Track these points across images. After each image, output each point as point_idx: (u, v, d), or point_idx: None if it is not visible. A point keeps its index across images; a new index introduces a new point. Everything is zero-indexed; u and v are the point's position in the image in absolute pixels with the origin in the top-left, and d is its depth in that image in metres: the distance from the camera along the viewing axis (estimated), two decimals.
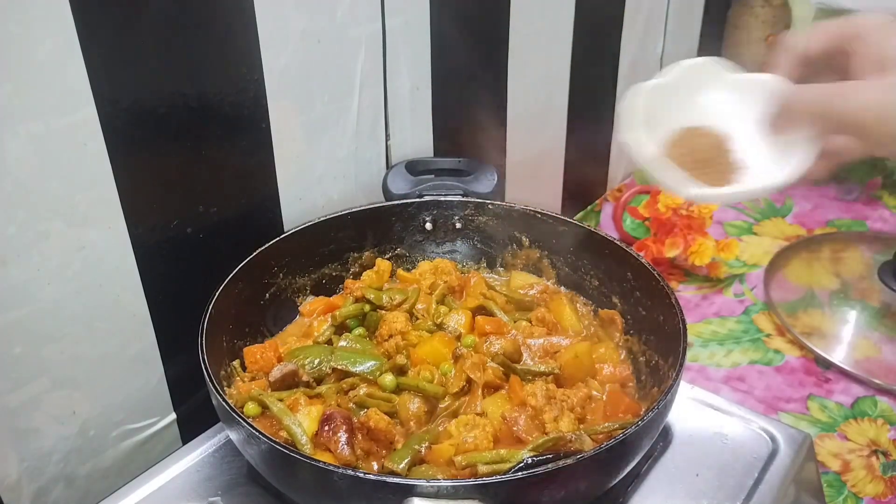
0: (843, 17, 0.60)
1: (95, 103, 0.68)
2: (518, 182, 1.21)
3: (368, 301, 0.86)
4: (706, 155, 0.66)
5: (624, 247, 0.86)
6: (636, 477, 0.75)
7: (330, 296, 0.92)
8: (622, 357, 0.83)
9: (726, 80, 0.65)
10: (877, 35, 0.56)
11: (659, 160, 0.65)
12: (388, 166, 1.02)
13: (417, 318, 0.85)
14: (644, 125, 0.65)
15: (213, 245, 0.84)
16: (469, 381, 0.75)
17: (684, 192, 0.65)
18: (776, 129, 0.61)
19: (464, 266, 0.98)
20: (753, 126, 0.63)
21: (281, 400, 0.73)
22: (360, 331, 0.83)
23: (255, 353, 0.80)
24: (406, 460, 0.67)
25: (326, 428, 0.69)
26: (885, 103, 0.54)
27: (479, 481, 0.59)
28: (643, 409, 0.75)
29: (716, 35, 1.67)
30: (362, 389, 0.74)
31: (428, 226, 0.97)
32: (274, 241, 0.86)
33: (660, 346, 0.79)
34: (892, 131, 0.54)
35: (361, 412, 0.72)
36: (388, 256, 0.96)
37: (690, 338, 1.09)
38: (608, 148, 1.49)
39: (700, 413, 0.83)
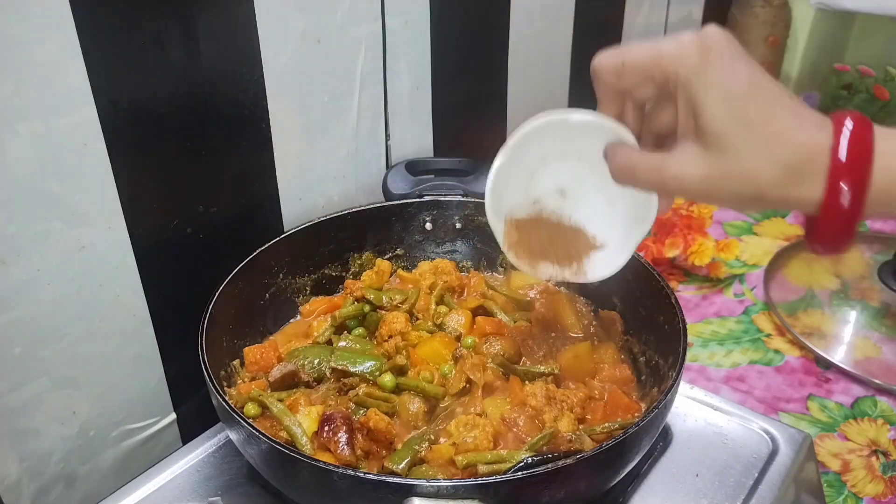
0: (652, 44, 0.53)
1: (95, 103, 0.68)
2: None
3: (368, 301, 0.86)
4: (555, 242, 0.68)
5: None
6: (636, 477, 0.75)
7: (330, 296, 0.92)
8: (622, 357, 0.83)
9: (568, 130, 0.61)
10: (686, 77, 0.52)
11: (514, 248, 0.68)
12: (388, 166, 1.02)
13: (417, 319, 0.85)
14: (497, 209, 0.66)
15: (213, 245, 0.84)
16: (469, 381, 0.75)
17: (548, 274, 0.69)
18: (618, 183, 0.59)
19: (463, 266, 0.98)
20: (596, 178, 0.62)
21: (281, 400, 0.73)
22: (359, 331, 0.83)
23: (255, 353, 0.80)
24: (406, 460, 0.67)
25: (326, 428, 0.69)
26: (706, 186, 0.53)
27: (479, 481, 0.59)
28: (643, 409, 0.75)
29: None
30: (362, 389, 0.74)
31: (428, 226, 0.97)
32: (274, 241, 0.86)
33: (660, 346, 0.79)
34: (723, 202, 0.54)
35: (361, 412, 0.72)
36: (387, 256, 0.96)
37: (690, 338, 1.09)
38: None
39: (700, 413, 0.83)
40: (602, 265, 0.69)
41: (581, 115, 0.60)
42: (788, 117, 0.51)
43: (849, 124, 0.50)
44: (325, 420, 0.70)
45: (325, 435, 0.69)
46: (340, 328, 0.85)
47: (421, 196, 0.95)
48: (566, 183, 0.66)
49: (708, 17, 1.63)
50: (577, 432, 0.71)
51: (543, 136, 0.62)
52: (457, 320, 0.84)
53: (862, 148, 0.49)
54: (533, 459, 0.63)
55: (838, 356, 1.08)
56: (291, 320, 0.90)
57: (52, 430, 0.76)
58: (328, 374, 0.77)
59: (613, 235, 0.68)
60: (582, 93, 1.30)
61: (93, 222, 0.72)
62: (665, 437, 0.79)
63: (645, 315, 0.83)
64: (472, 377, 0.75)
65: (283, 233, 0.88)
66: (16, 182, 0.65)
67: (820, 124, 0.51)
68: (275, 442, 0.61)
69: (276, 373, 0.76)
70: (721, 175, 0.52)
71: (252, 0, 0.77)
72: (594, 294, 0.91)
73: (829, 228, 0.51)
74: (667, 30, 1.51)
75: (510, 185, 0.65)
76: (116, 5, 0.67)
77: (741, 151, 0.51)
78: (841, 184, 0.49)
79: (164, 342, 0.83)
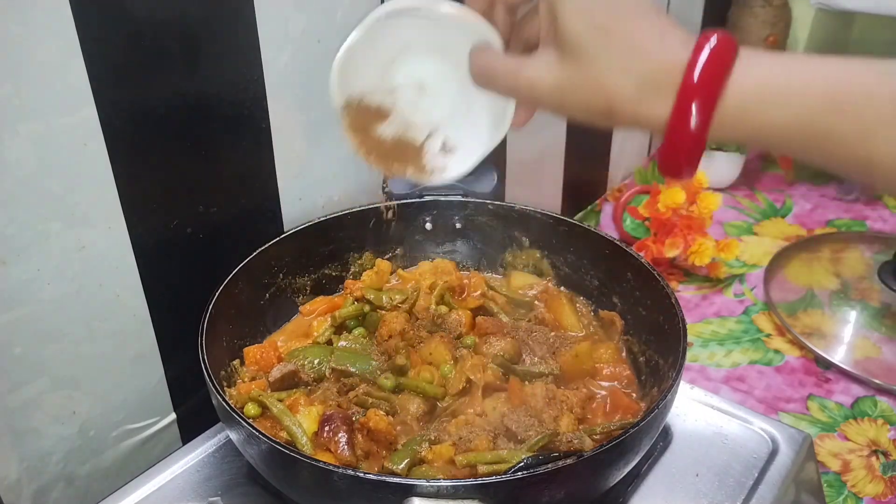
0: None
1: (95, 103, 0.68)
2: (518, 182, 1.21)
3: (368, 301, 0.86)
4: (401, 138, 0.64)
5: (624, 247, 0.86)
6: (636, 477, 0.75)
7: (330, 296, 0.92)
8: (622, 357, 0.83)
9: (437, 22, 0.59)
10: None
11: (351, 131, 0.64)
12: None
13: (417, 318, 0.85)
14: (345, 87, 0.62)
15: (213, 245, 0.84)
16: (469, 381, 0.75)
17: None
18: (476, 85, 0.57)
19: (463, 266, 0.98)
20: (458, 79, 0.59)
21: (281, 400, 0.73)
22: (359, 331, 0.83)
23: (255, 353, 0.80)
24: (406, 461, 0.67)
25: (326, 428, 0.69)
26: (558, 95, 0.51)
27: (479, 481, 0.59)
28: (643, 409, 0.75)
29: None
30: (362, 389, 0.74)
31: (428, 226, 0.97)
32: (274, 241, 0.86)
33: (660, 346, 0.79)
34: (574, 113, 0.52)
35: (361, 412, 0.72)
36: (387, 256, 0.96)
37: (690, 338, 1.09)
38: (608, 148, 1.49)
39: (700, 413, 0.83)
40: (446, 169, 0.65)
41: (450, 8, 0.57)
42: (652, 33, 0.48)
43: (711, 42, 0.47)
44: (325, 420, 0.70)
45: (325, 435, 0.69)
46: (340, 328, 0.85)
47: (421, 196, 0.95)
48: (427, 78, 0.62)
49: (708, 17, 1.62)
50: (577, 432, 0.71)
51: (408, 21, 0.59)
52: (457, 320, 0.84)
53: (717, 66, 0.46)
54: (533, 459, 0.63)
55: (838, 356, 1.08)
56: (291, 320, 0.90)
57: (52, 430, 0.76)
58: (328, 374, 0.77)
59: (466, 140, 0.64)
60: None
61: (93, 222, 0.72)
62: (665, 437, 0.79)
63: (645, 315, 0.83)
64: (472, 377, 0.75)
65: (283, 233, 0.88)
66: (16, 182, 0.65)
67: (684, 42, 0.48)
68: (275, 442, 0.61)
69: (276, 373, 0.76)
70: (573, 84, 0.50)
71: (252, 0, 0.77)
72: (594, 294, 0.91)
73: (674, 149, 0.49)
74: None
75: (366, 67, 0.61)
76: (116, 6, 0.67)
77: (596, 61, 0.49)
78: (691, 103, 0.47)
79: (164, 342, 0.83)
